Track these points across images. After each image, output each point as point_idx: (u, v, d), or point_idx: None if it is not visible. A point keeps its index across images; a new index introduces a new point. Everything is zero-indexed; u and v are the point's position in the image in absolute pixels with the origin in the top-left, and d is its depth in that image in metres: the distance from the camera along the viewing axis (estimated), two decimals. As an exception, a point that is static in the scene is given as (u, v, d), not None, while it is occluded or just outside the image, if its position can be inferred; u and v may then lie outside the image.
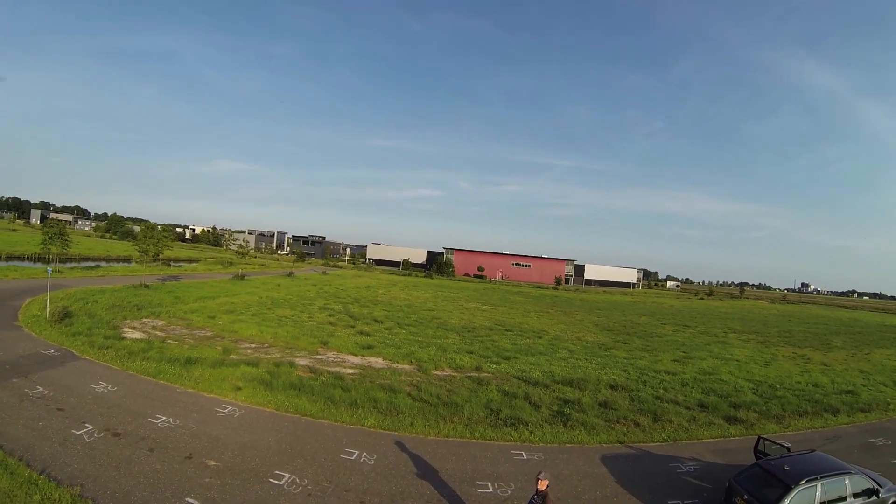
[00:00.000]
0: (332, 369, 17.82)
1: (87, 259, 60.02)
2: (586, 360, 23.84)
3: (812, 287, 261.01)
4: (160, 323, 23.15)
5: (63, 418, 11.24)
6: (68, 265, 47.93)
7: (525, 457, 11.78)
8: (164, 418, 11.82)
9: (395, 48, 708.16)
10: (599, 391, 17.82)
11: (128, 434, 10.80)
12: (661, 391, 18.61)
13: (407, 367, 19.48)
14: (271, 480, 9.44)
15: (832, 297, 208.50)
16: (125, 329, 20.92)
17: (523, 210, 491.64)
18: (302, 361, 18.53)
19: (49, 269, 26.12)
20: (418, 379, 17.69)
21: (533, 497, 7.61)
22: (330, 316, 30.47)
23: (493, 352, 23.72)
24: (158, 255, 54.74)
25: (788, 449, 10.69)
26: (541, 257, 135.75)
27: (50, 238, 44.33)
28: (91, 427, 10.89)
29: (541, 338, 30.01)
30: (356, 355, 20.57)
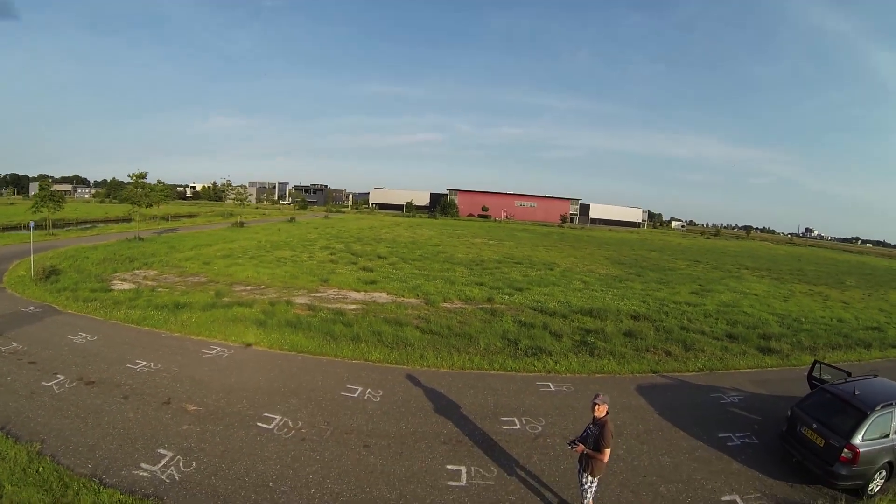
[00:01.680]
0: (333, 306, 16.46)
1: (85, 222, 58.09)
2: (602, 291, 22.48)
3: (816, 232, 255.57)
4: (152, 273, 21.67)
5: (34, 371, 9.94)
6: (65, 229, 46.14)
7: (553, 388, 10.52)
8: (144, 363, 10.54)
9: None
10: (621, 321, 16.50)
11: (102, 382, 9.54)
12: (686, 321, 17.29)
13: (413, 300, 18.15)
14: (259, 424, 8.21)
15: (836, 242, 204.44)
16: (114, 281, 19.41)
17: (526, 152, 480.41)
18: (300, 300, 17.18)
19: (31, 223, 24.24)
20: (426, 312, 16.37)
21: (588, 427, 6.23)
22: (331, 255, 28.96)
23: (503, 283, 22.34)
24: (151, 206, 52.98)
25: (849, 374, 9.15)
26: (545, 196, 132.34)
27: (42, 200, 42.10)
28: (63, 377, 9.61)
29: (552, 270, 28.61)
30: (359, 291, 19.22)
